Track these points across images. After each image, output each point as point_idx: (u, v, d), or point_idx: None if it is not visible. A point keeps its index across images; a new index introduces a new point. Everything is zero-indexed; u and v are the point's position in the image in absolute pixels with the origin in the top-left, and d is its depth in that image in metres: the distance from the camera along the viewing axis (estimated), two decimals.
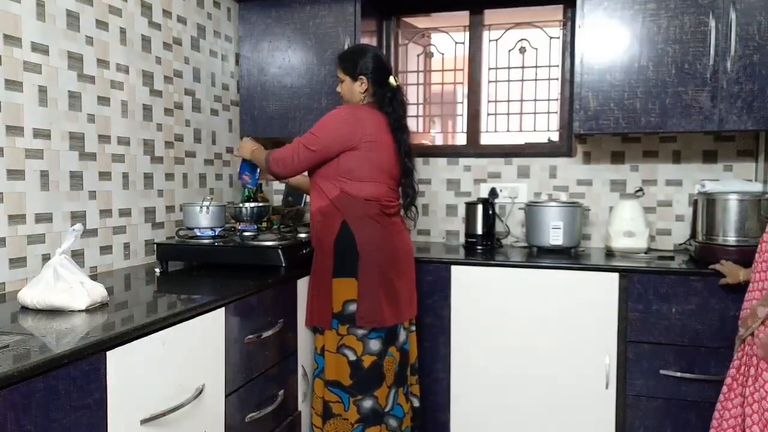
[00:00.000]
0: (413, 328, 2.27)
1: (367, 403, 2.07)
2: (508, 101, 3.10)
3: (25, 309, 1.49)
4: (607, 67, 2.48)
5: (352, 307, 2.05)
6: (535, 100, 3.06)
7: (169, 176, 2.44)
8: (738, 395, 1.77)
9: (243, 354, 1.80)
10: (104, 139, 2.08)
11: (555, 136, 3.02)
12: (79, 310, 1.46)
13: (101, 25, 2.05)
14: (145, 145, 2.29)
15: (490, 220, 2.80)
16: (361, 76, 2.14)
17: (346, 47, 2.67)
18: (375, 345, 2.07)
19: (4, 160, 1.70)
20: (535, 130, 3.07)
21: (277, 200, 3.16)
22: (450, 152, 3.13)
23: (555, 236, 2.61)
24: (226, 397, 1.71)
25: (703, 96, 2.38)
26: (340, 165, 2.08)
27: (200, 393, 1.56)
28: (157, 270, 2.10)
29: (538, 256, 2.59)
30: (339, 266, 2.07)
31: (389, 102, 2.15)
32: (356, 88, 2.16)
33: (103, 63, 2.06)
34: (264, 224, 2.52)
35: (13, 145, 1.73)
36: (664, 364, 2.25)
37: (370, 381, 2.07)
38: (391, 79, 2.18)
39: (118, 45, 2.14)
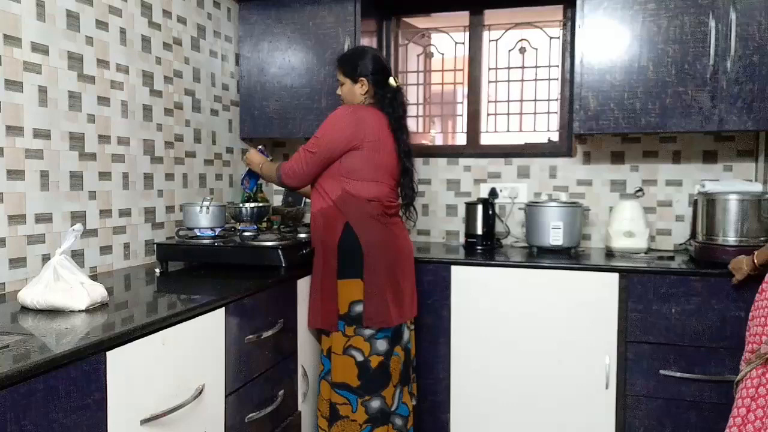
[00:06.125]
0: (413, 326, 2.27)
1: (375, 404, 2.08)
2: (508, 101, 3.10)
3: (25, 309, 1.49)
4: (607, 67, 2.48)
5: (359, 308, 2.05)
6: (535, 100, 3.06)
7: (169, 176, 2.44)
8: (758, 418, 1.66)
9: (243, 354, 1.80)
10: (104, 139, 2.08)
11: (555, 136, 3.02)
12: (79, 310, 1.46)
13: (101, 25, 2.05)
14: (145, 145, 2.29)
15: (490, 220, 2.80)
16: (362, 78, 2.15)
17: (346, 47, 2.68)
18: (382, 345, 2.07)
19: (4, 160, 1.70)
20: (535, 130, 3.07)
21: (277, 200, 3.16)
22: (450, 152, 3.13)
23: (555, 236, 2.61)
24: (226, 397, 1.71)
25: (703, 96, 2.38)
26: (342, 165, 2.08)
27: (200, 393, 1.56)
28: (157, 270, 2.10)
29: (538, 256, 2.59)
30: (343, 267, 2.07)
31: (389, 103, 2.15)
32: (357, 90, 2.17)
33: (103, 63, 2.06)
34: (264, 224, 2.53)
35: (13, 145, 1.73)
36: (664, 364, 2.25)
37: (378, 381, 2.08)
38: (391, 80, 2.18)
39: (118, 45, 2.14)
